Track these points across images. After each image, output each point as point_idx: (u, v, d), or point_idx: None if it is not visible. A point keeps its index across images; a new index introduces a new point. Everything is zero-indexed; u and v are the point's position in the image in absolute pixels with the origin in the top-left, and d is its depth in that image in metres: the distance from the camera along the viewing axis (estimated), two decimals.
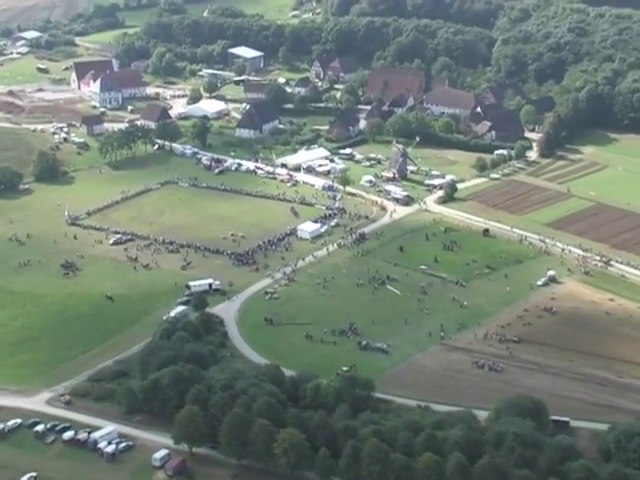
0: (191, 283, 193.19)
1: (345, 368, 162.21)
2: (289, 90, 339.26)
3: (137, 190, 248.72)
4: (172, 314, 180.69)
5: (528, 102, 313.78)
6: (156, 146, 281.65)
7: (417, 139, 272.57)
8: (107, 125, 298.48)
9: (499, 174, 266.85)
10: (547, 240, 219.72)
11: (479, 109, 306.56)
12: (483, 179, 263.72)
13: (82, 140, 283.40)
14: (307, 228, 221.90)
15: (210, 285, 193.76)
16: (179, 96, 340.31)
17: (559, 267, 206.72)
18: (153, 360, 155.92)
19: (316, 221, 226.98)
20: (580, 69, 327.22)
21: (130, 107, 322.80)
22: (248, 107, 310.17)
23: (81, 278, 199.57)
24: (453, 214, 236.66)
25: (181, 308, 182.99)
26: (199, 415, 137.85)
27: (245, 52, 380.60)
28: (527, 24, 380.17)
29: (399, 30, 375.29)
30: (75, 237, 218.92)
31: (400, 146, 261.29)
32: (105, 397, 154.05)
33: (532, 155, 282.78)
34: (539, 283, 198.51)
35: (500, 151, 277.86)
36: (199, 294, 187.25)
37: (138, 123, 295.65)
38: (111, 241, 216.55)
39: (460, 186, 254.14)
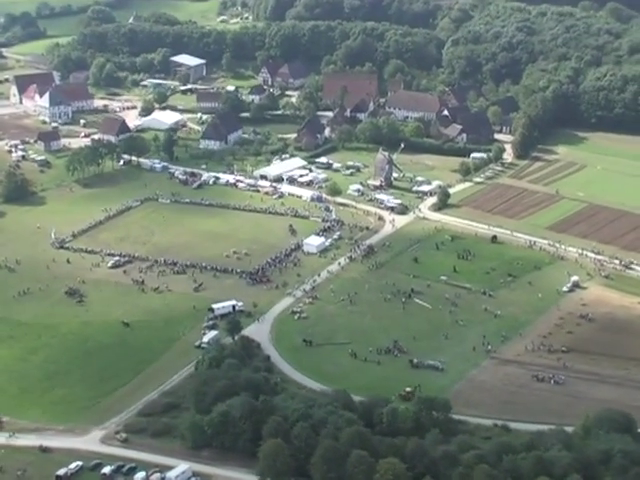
0: (214, 306, 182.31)
1: (408, 389, 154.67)
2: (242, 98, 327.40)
3: (118, 209, 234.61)
4: (205, 339, 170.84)
5: (493, 103, 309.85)
6: (122, 161, 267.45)
7: (402, 145, 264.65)
8: (64, 141, 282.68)
9: (482, 178, 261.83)
10: (557, 244, 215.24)
11: (446, 112, 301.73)
12: (468, 184, 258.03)
13: (43, 157, 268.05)
14: (313, 242, 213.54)
15: (234, 307, 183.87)
16: (128, 108, 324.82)
17: (578, 272, 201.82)
18: (208, 390, 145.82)
19: (318, 234, 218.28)
20: (539, 68, 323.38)
21: (82, 121, 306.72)
22: (212, 117, 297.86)
23: (90, 305, 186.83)
24: (452, 221, 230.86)
25: (213, 333, 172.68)
26: (284, 448, 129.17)
27: (187, 60, 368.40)
28: (472, 24, 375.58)
29: (345, 34, 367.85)
30: (68, 261, 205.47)
31: (386, 153, 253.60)
32: (163, 432, 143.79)
33: (507, 157, 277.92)
34: (564, 289, 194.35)
35: (478, 154, 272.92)
36: (232, 317, 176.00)
37: (96, 137, 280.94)
38: (109, 264, 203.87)
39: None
